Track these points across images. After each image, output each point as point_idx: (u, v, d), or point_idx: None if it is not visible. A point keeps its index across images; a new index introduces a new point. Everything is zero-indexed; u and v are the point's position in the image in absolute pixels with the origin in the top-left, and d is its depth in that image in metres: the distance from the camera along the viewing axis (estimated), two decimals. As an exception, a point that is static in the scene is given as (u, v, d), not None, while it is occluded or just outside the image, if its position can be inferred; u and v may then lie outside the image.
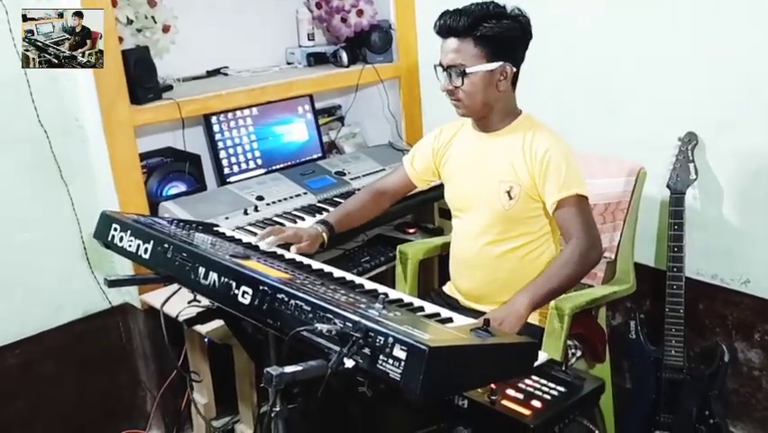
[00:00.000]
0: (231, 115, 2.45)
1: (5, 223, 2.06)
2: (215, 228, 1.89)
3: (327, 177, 2.50)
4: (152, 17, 2.25)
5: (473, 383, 1.14)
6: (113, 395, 2.35)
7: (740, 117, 2.00)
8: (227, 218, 2.14)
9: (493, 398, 1.19)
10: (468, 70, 1.66)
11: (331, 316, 1.13)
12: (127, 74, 2.07)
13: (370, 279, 2.19)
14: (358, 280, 1.52)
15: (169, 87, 2.31)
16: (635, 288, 2.03)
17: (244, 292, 1.28)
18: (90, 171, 2.17)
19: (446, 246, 2.04)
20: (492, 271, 1.80)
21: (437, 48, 1.74)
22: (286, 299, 1.21)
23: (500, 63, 1.67)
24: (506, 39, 1.67)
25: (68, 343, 2.23)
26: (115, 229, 1.63)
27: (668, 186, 2.05)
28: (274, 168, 2.54)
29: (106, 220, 1.67)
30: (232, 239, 1.75)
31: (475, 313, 1.77)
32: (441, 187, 1.97)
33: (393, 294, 1.44)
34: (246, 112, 2.50)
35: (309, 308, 1.17)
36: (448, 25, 1.68)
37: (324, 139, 2.79)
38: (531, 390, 1.23)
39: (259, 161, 2.52)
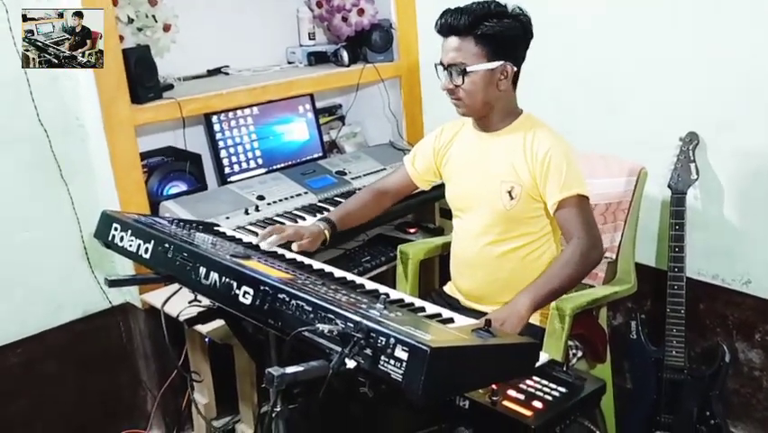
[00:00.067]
0: (231, 114, 2.45)
1: (6, 222, 2.06)
2: (216, 228, 1.89)
3: (328, 176, 2.49)
4: (153, 16, 2.24)
5: (475, 384, 1.14)
6: (113, 395, 2.35)
7: (741, 117, 2.00)
8: (228, 218, 2.14)
9: (494, 398, 1.19)
10: (468, 69, 1.66)
11: (332, 316, 1.13)
12: (128, 73, 2.07)
13: (371, 279, 2.19)
14: (359, 280, 1.52)
15: (170, 87, 2.30)
16: (636, 288, 2.03)
17: (245, 292, 1.28)
18: (90, 171, 2.17)
19: (447, 246, 2.03)
20: (493, 272, 1.80)
21: (438, 47, 1.73)
22: (287, 299, 1.21)
23: (501, 62, 1.67)
24: (507, 38, 1.67)
25: (69, 342, 2.23)
26: (116, 229, 1.63)
27: (669, 186, 2.05)
28: (275, 167, 2.53)
29: (107, 220, 1.67)
30: (232, 239, 1.75)
31: (476, 313, 1.77)
32: (442, 186, 1.96)
33: (394, 294, 1.44)
34: (247, 111, 2.50)
35: (310, 309, 1.17)
36: (449, 24, 1.68)
37: (325, 138, 2.79)
38: (532, 390, 1.22)
39: (259, 161, 2.52)
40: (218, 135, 2.42)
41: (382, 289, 1.47)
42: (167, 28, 2.28)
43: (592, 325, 1.96)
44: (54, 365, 2.22)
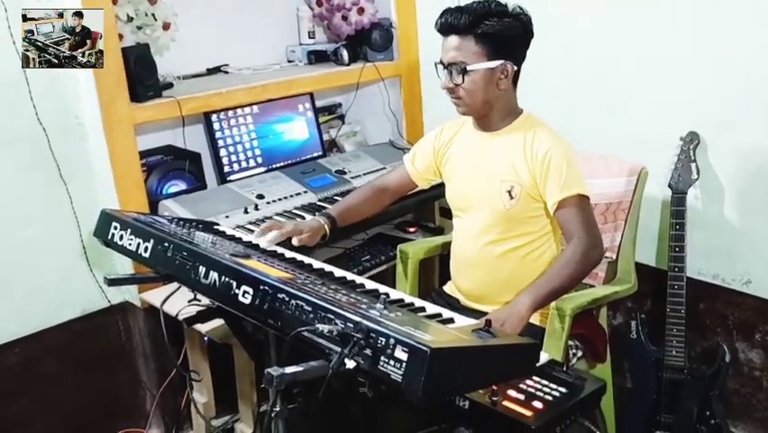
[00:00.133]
0: (231, 113, 2.45)
1: (4, 221, 2.06)
2: (216, 227, 1.88)
3: (328, 175, 2.49)
4: (153, 14, 2.24)
5: (475, 385, 1.14)
6: (112, 394, 2.35)
7: (741, 117, 2.00)
8: (227, 217, 2.13)
9: (494, 399, 1.18)
10: (469, 68, 1.66)
11: (332, 316, 1.13)
12: (127, 71, 2.07)
13: (371, 278, 2.19)
14: (359, 279, 1.51)
15: (170, 85, 2.30)
16: (637, 288, 2.03)
17: (245, 292, 1.28)
18: (90, 170, 2.16)
19: (447, 246, 2.03)
20: (493, 271, 1.80)
21: (438, 46, 1.73)
22: (286, 298, 1.21)
23: (501, 61, 1.67)
24: (507, 37, 1.66)
25: (68, 341, 2.23)
26: (115, 228, 1.62)
27: (669, 185, 2.04)
28: (274, 166, 2.53)
29: (106, 218, 1.66)
30: (232, 238, 1.75)
31: (476, 313, 1.76)
32: (441, 186, 1.96)
33: (394, 294, 1.44)
34: (246, 110, 2.49)
35: (310, 309, 1.17)
36: (449, 23, 1.67)
37: (325, 137, 2.78)
38: (532, 390, 1.22)
39: (259, 160, 2.52)
40: (218, 134, 2.42)
41: (382, 288, 1.46)
42: (166, 26, 2.28)
43: (592, 325, 1.96)
44: (53, 364, 2.21)
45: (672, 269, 2.02)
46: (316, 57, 2.74)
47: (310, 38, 2.83)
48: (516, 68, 1.71)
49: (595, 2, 2.25)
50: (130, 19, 2.19)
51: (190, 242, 1.50)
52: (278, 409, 1.12)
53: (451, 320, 1.33)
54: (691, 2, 2.04)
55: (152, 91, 2.16)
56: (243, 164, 2.47)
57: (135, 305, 2.25)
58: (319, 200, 2.35)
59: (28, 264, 2.12)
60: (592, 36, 2.27)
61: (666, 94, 2.13)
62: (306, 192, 2.37)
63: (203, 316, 1.64)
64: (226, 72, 2.60)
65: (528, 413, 1.16)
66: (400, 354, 1.01)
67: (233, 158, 2.45)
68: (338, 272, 1.54)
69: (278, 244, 1.75)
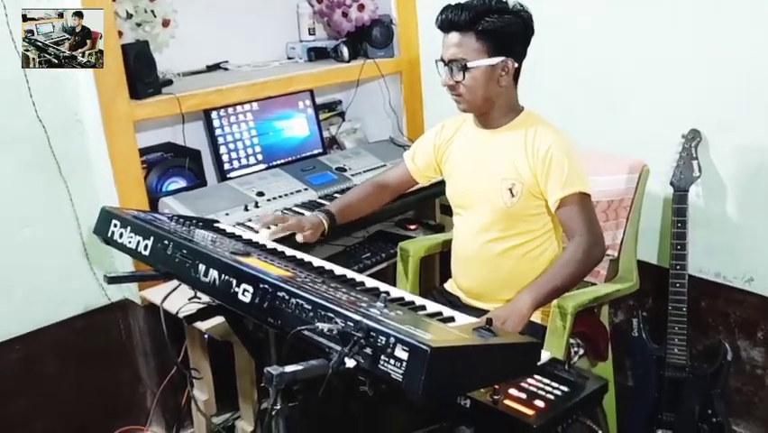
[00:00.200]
0: (231, 110, 2.44)
1: (5, 219, 2.05)
2: (216, 224, 1.87)
3: (328, 173, 2.48)
4: (152, 11, 2.23)
5: (476, 384, 1.13)
6: (113, 391, 2.34)
7: (743, 115, 1.99)
8: (227, 214, 2.13)
9: (496, 397, 1.18)
10: (469, 65, 1.65)
11: (332, 315, 1.12)
12: (127, 68, 2.06)
13: (371, 275, 2.18)
14: (359, 277, 1.50)
15: (169, 82, 2.29)
16: (639, 286, 2.02)
17: (245, 290, 1.27)
18: (89, 167, 2.16)
19: (448, 243, 2.02)
20: (494, 269, 1.79)
21: (438, 43, 1.72)
22: (286, 297, 1.20)
23: (502, 58, 1.66)
24: (507, 34, 1.66)
25: (68, 339, 2.22)
26: (115, 225, 1.62)
27: (671, 183, 2.04)
28: (274, 163, 2.52)
29: (106, 216, 1.65)
30: (232, 235, 1.74)
31: (477, 311, 1.76)
32: (442, 183, 1.95)
33: (394, 292, 1.43)
34: (246, 107, 2.48)
35: (310, 307, 1.16)
36: (450, 19, 1.67)
37: (325, 134, 2.78)
38: (534, 389, 1.21)
39: (259, 157, 2.51)
40: (218, 131, 2.41)
41: (382, 287, 1.45)
42: (166, 23, 2.27)
43: (594, 323, 1.95)
44: (53, 362, 2.21)
45: (674, 267, 2.01)
46: (316, 54, 2.73)
47: (310, 35, 2.82)
48: (516, 65, 1.70)
49: (596, 1, 2.24)
50: (129, 16, 2.19)
51: (190, 240, 1.49)
52: (278, 407, 1.12)
53: (451, 319, 1.32)
54: (692, 1, 2.03)
55: (152, 88, 2.15)
56: (243, 161, 2.47)
57: (135, 302, 2.25)
58: (319, 198, 2.35)
59: (28, 262, 2.11)
60: (593, 35, 2.26)
61: (667, 92, 2.13)
62: (306, 189, 2.36)
63: (203, 313, 1.64)
64: (226, 69, 2.59)
65: (530, 412, 1.15)
66: (401, 353, 1.00)
67: (233, 155, 2.45)
68: (338, 270, 1.53)
69: (280, 241, 1.74)
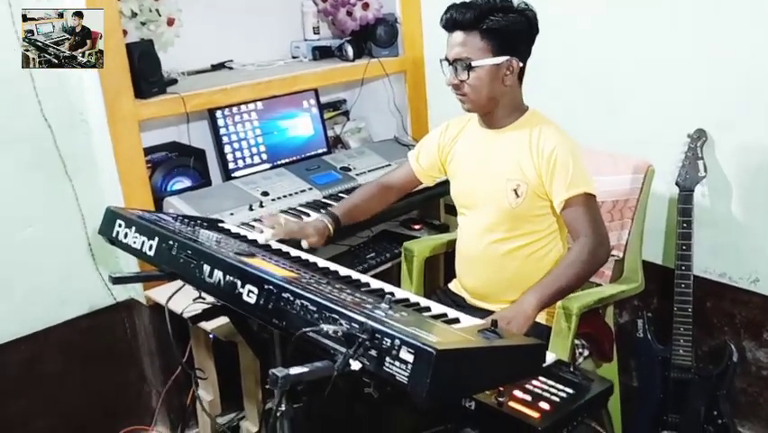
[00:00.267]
0: (236, 109, 2.44)
1: (10, 218, 2.06)
2: (220, 224, 1.88)
3: (332, 172, 2.48)
4: (157, 10, 2.23)
5: (481, 386, 1.12)
6: (118, 391, 2.35)
7: (748, 114, 1.98)
8: (232, 214, 2.13)
9: (500, 399, 1.17)
10: (474, 64, 1.65)
11: (337, 316, 1.12)
12: (131, 68, 2.06)
13: (376, 275, 2.19)
14: (364, 278, 1.50)
15: (174, 81, 2.29)
16: (644, 286, 2.01)
17: (249, 291, 1.27)
18: (94, 166, 2.16)
19: (452, 243, 2.02)
20: (498, 270, 1.79)
21: (443, 42, 1.72)
22: (291, 298, 1.20)
23: (507, 57, 1.66)
24: (512, 32, 1.65)
25: (74, 339, 2.23)
26: (120, 225, 1.62)
27: (677, 183, 2.03)
28: (279, 163, 2.52)
29: (111, 216, 1.66)
30: (237, 236, 1.74)
31: (482, 311, 1.76)
32: (446, 182, 1.95)
33: (399, 293, 1.43)
34: (251, 106, 2.48)
35: (315, 309, 1.16)
36: (454, 18, 1.66)
37: (330, 133, 2.77)
38: (539, 391, 1.21)
39: (264, 156, 2.51)
40: (222, 130, 2.41)
41: (387, 288, 1.45)
42: (170, 22, 2.27)
43: (599, 324, 1.95)
44: (59, 362, 2.21)
45: (679, 267, 2.00)
46: (321, 53, 2.73)
47: (315, 33, 2.81)
48: (521, 64, 1.70)
49: (598, 1, 2.23)
50: (134, 15, 2.19)
51: (195, 240, 1.49)
52: (283, 408, 1.12)
53: (456, 320, 1.32)
54: (695, 0, 2.02)
55: (157, 87, 2.15)
56: (248, 161, 2.47)
57: (141, 302, 2.25)
58: (324, 197, 2.35)
59: (33, 262, 2.12)
60: (597, 35, 2.25)
61: (673, 91, 2.12)
62: (310, 189, 2.36)
63: (208, 314, 1.64)
64: (231, 68, 2.59)
65: (535, 414, 1.15)
66: (406, 355, 1.00)
67: (238, 154, 2.45)
68: (343, 271, 1.53)
69: (284, 243, 1.74)
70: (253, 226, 2.08)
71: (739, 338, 2.16)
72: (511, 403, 1.17)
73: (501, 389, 1.18)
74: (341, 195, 2.35)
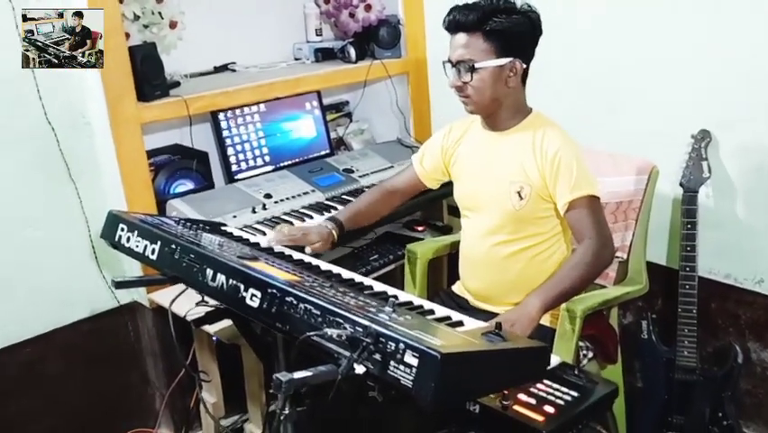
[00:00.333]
0: (238, 111, 2.44)
1: (14, 221, 2.06)
2: (223, 228, 1.87)
3: (335, 174, 2.48)
4: (159, 13, 2.23)
5: (486, 389, 1.12)
6: (122, 394, 2.35)
7: (753, 115, 1.97)
8: (235, 216, 2.13)
9: (505, 403, 1.17)
10: (477, 66, 1.64)
11: (341, 320, 1.11)
12: (134, 71, 2.06)
13: (379, 277, 2.18)
14: (367, 281, 1.50)
15: (177, 84, 2.29)
16: (648, 288, 2.01)
17: (252, 295, 1.27)
18: (97, 169, 2.16)
19: (455, 245, 2.02)
20: (502, 272, 1.78)
21: (446, 43, 1.71)
22: (294, 302, 1.20)
23: (510, 59, 1.65)
24: (515, 34, 1.65)
25: (77, 341, 2.23)
26: (122, 229, 1.62)
27: (681, 184, 2.02)
28: (282, 165, 2.52)
29: (113, 220, 1.66)
30: (239, 239, 1.74)
31: (485, 313, 1.75)
32: (449, 184, 1.95)
33: (403, 296, 1.42)
34: (254, 108, 2.48)
35: (319, 312, 1.16)
36: (457, 20, 1.66)
37: (332, 135, 2.77)
38: (543, 394, 1.21)
39: (266, 158, 2.51)
40: (225, 133, 2.41)
41: (390, 290, 1.45)
42: (173, 25, 2.27)
43: (603, 325, 1.94)
44: (62, 364, 2.21)
45: (684, 268, 2.00)
46: (324, 54, 2.72)
47: (317, 35, 2.81)
48: (524, 65, 1.69)
49: (600, 1, 2.22)
50: (136, 17, 2.19)
51: (197, 244, 1.49)
52: (286, 412, 1.12)
53: (460, 323, 1.32)
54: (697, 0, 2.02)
55: (159, 90, 2.15)
56: (251, 163, 2.47)
57: (144, 305, 2.25)
58: (327, 200, 2.34)
59: (37, 264, 2.12)
60: (599, 36, 2.25)
61: (676, 92, 2.11)
62: (313, 191, 2.36)
63: (211, 317, 1.64)
64: (233, 70, 2.59)
65: (540, 418, 1.14)
66: (410, 359, 0.99)
67: (241, 157, 2.44)
68: (346, 274, 1.53)
69: (288, 247, 1.74)
70: (257, 229, 2.08)
71: (744, 339, 2.15)
72: (516, 407, 1.17)
73: (506, 392, 1.17)
74: (344, 197, 2.35)
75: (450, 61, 1.69)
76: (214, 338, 1.94)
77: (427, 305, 1.39)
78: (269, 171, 2.47)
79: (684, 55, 2.07)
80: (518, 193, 1.70)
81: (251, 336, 1.65)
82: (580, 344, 1.78)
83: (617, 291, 1.94)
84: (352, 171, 2.51)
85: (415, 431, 1.46)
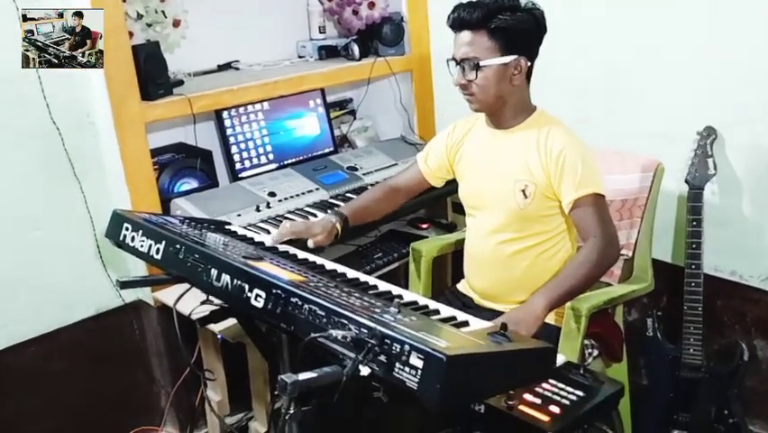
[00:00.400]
0: (242, 109, 2.44)
1: (19, 220, 2.06)
2: (228, 227, 1.87)
3: (339, 172, 2.47)
4: (162, 12, 2.22)
5: (491, 390, 1.12)
6: (127, 392, 2.35)
7: (759, 112, 1.96)
8: (239, 215, 2.13)
9: (510, 403, 1.16)
10: (482, 63, 1.63)
11: (345, 321, 1.11)
12: (138, 69, 2.06)
13: (384, 275, 2.18)
14: (372, 281, 1.50)
15: (180, 82, 2.29)
16: (654, 286, 2.00)
17: (257, 295, 1.27)
18: (102, 168, 2.16)
19: (460, 243, 2.01)
20: (507, 271, 1.78)
21: (449, 40, 1.71)
22: (299, 303, 1.20)
23: (515, 57, 1.64)
24: (520, 32, 1.64)
25: (82, 340, 2.23)
26: (127, 229, 1.62)
27: (686, 181, 2.01)
28: (286, 163, 2.52)
29: (118, 219, 1.66)
30: (244, 238, 1.74)
31: (490, 312, 1.75)
32: (454, 181, 1.94)
33: (407, 296, 1.42)
34: (257, 106, 2.48)
35: (323, 313, 1.16)
36: (461, 18, 1.65)
37: (336, 133, 2.77)
38: (549, 394, 1.20)
39: (270, 156, 2.50)
40: (229, 131, 2.41)
41: (395, 290, 1.45)
42: (176, 23, 2.26)
43: (609, 324, 1.94)
44: (67, 363, 2.22)
45: (689, 266, 1.99)
46: (327, 52, 2.72)
47: (321, 33, 2.80)
48: (529, 63, 1.68)
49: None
50: (140, 16, 2.18)
51: (202, 243, 1.49)
52: (291, 412, 1.12)
53: (465, 323, 1.31)
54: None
55: (163, 89, 2.15)
56: (255, 161, 2.46)
57: (149, 304, 2.25)
58: (331, 197, 2.34)
59: (42, 263, 2.12)
60: (604, 33, 2.24)
61: (681, 89, 2.10)
62: (317, 189, 2.36)
63: (216, 316, 1.64)
64: (237, 69, 2.59)
65: (545, 418, 1.14)
66: (415, 360, 0.99)
67: (245, 155, 2.44)
68: (351, 273, 1.53)
69: (292, 244, 1.74)
70: (261, 228, 2.08)
71: (750, 337, 2.14)
72: (521, 407, 1.16)
73: (511, 392, 1.17)
74: (348, 195, 2.35)
75: (454, 59, 1.68)
76: (219, 337, 1.94)
77: (432, 305, 1.39)
78: (273, 169, 2.47)
79: (689, 52, 2.06)
80: (523, 191, 1.70)
81: (256, 335, 1.66)
82: (586, 342, 1.78)
83: (623, 289, 1.93)
84: (356, 169, 2.50)
85: (419, 431, 1.46)
